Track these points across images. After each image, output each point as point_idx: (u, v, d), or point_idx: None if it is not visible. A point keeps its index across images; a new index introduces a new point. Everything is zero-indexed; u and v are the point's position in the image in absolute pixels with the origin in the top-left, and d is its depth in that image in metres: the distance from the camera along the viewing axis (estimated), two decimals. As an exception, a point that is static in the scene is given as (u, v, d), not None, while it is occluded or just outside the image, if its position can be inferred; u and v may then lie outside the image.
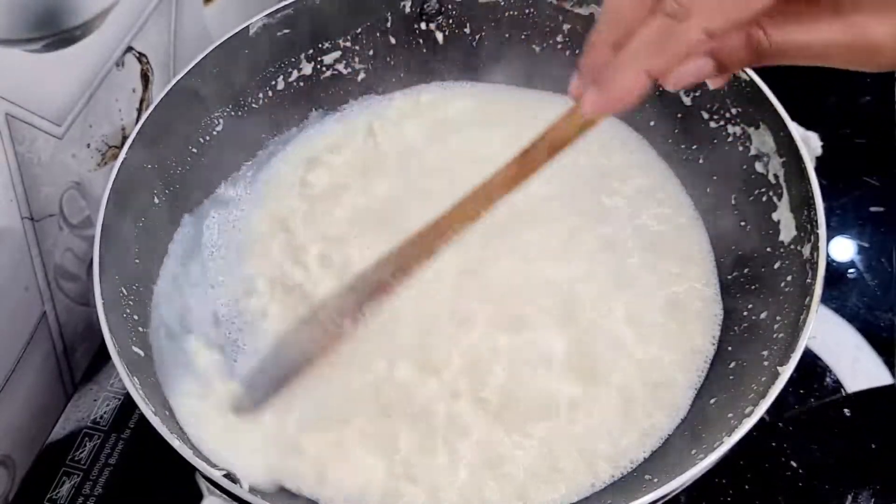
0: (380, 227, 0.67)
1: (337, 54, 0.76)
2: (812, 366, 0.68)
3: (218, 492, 0.50)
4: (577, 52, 0.74)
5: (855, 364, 0.68)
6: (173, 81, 0.66)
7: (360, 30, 0.76)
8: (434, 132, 0.75)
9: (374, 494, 0.56)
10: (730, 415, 0.53)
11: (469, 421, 0.58)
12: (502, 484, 0.56)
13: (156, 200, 0.65)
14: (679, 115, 0.71)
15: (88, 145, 0.70)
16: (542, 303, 0.62)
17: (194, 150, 0.69)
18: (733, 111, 0.66)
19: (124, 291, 0.59)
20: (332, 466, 0.57)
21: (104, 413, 0.68)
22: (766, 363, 0.55)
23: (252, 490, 0.50)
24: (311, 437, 0.58)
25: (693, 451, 0.52)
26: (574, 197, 0.69)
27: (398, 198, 0.70)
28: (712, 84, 0.45)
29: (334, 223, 0.69)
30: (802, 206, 0.59)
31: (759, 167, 0.64)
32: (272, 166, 0.74)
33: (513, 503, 0.55)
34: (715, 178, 0.69)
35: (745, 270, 0.63)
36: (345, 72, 0.77)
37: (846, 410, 0.66)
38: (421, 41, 0.78)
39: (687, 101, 0.70)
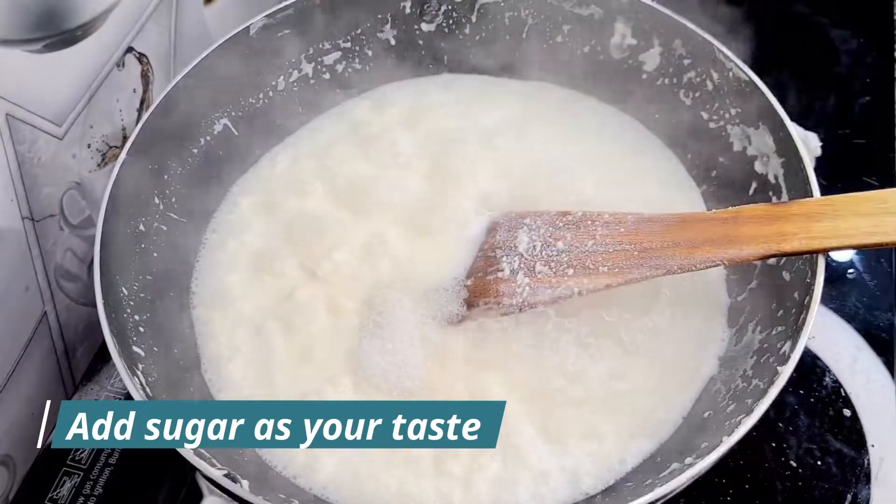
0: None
1: (337, 55, 0.76)
2: (811, 366, 0.68)
3: (218, 491, 0.50)
4: (577, 51, 0.75)
5: (854, 364, 0.68)
6: (174, 82, 0.66)
7: (360, 30, 0.76)
8: (435, 131, 0.75)
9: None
10: (729, 415, 0.53)
11: None
12: (513, 479, 0.57)
13: (156, 201, 0.65)
14: (679, 116, 0.71)
15: (89, 146, 0.70)
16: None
17: (194, 151, 0.69)
18: (733, 111, 0.66)
19: (125, 291, 0.59)
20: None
21: (105, 413, 0.68)
22: (765, 363, 0.55)
23: (252, 489, 0.50)
24: None
25: (692, 452, 0.52)
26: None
27: (397, 194, 0.70)
28: None
29: (334, 225, 0.69)
30: (802, 206, 0.59)
31: (758, 167, 0.64)
32: (272, 166, 0.74)
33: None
34: (714, 177, 0.69)
35: (745, 270, 0.63)
36: (345, 72, 0.77)
37: (846, 410, 0.66)
38: (421, 42, 0.78)
39: (687, 101, 0.70)
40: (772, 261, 0.59)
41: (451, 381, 0.60)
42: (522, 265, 0.61)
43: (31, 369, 0.68)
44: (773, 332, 0.57)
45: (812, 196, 0.57)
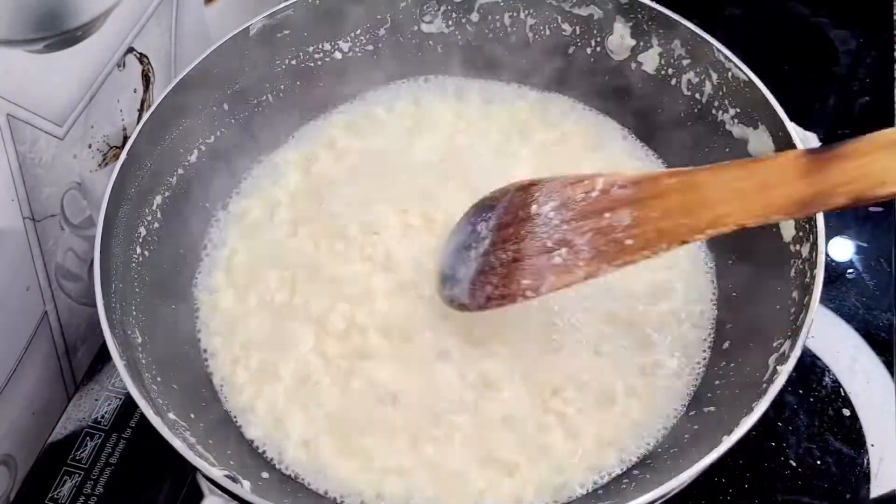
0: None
1: (337, 55, 0.76)
2: (811, 365, 0.68)
3: (219, 491, 0.50)
4: (578, 52, 0.75)
5: (853, 364, 0.69)
6: (174, 82, 0.66)
7: (360, 30, 0.76)
8: (435, 131, 0.75)
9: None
10: (729, 415, 0.53)
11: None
12: (508, 477, 0.57)
13: (157, 201, 0.65)
14: (679, 117, 0.71)
15: (90, 146, 0.70)
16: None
17: (195, 151, 0.69)
18: (732, 111, 0.66)
19: (125, 291, 0.59)
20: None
21: (105, 413, 0.68)
22: (764, 363, 0.55)
23: (253, 490, 0.50)
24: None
25: (692, 451, 0.52)
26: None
27: (397, 196, 0.70)
28: None
29: (336, 224, 0.69)
30: (801, 206, 0.58)
31: (758, 167, 0.64)
32: (273, 166, 0.74)
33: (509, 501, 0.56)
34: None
35: (745, 270, 0.63)
36: (345, 72, 0.77)
37: (845, 410, 0.66)
38: (421, 42, 0.78)
39: (687, 101, 0.70)
40: (771, 260, 0.59)
41: (456, 376, 0.60)
42: (521, 258, 0.60)
43: (31, 369, 0.68)
44: (774, 332, 0.57)
45: None
